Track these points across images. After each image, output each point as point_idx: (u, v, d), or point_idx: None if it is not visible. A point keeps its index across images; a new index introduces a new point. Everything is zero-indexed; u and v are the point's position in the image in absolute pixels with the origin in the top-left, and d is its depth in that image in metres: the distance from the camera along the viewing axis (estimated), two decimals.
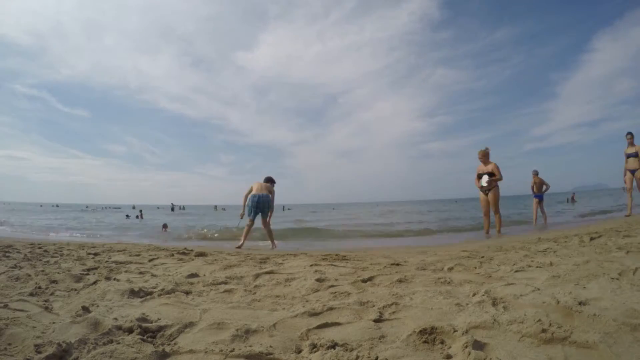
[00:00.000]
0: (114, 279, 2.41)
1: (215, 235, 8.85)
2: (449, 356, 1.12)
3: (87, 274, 2.59)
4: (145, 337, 1.31)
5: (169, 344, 1.26)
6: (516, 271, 2.33)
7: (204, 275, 2.64)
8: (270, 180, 6.12)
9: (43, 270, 2.65)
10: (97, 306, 1.71)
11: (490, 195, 6.37)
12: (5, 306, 1.63)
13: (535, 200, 8.95)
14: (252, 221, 5.76)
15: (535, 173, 8.99)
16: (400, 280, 2.24)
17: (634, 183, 7.46)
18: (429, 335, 1.24)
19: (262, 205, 5.69)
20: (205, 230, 9.77)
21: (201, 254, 3.90)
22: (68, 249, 4.25)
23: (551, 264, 2.50)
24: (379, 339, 1.28)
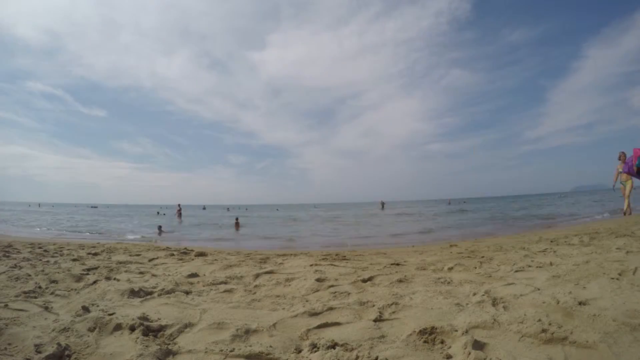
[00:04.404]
0: (114, 279, 2.41)
1: None
2: (449, 356, 1.12)
3: (87, 274, 2.59)
4: (148, 335, 1.31)
5: (169, 344, 1.26)
6: (516, 271, 2.33)
7: (204, 275, 2.64)
8: None
9: (43, 270, 2.65)
10: (97, 306, 1.71)
11: None
12: (5, 306, 1.63)
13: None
14: None
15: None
16: (400, 280, 2.24)
17: None
18: (429, 335, 1.25)
19: None
20: None
21: (201, 254, 3.90)
22: (68, 249, 4.25)
23: (551, 264, 2.50)
24: (379, 338, 1.28)
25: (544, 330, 1.21)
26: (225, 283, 2.33)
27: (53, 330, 1.34)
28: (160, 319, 1.50)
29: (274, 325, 1.44)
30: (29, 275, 2.44)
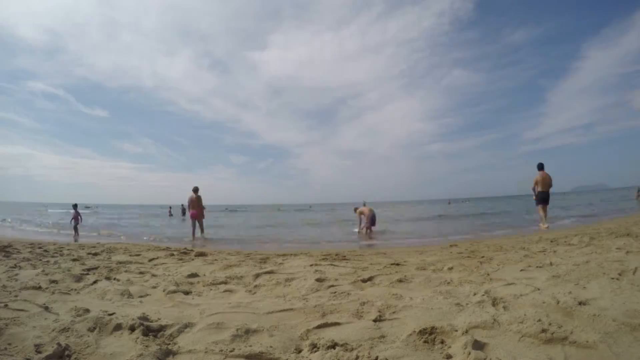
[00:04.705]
0: (114, 279, 2.41)
1: None
2: (449, 356, 1.12)
3: (87, 274, 2.59)
4: (148, 335, 1.31)
5: (169, 344, 1.26)
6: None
7: (204, 275, 2.64)
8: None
9: (43, 270, 2.65)
10: (97, 306, 1.71)
11: None
12: (5, 306, 1.63)
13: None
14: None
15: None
16: (400, 280, 2.24)
17: None
18: (429, 335, 1.25)
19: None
20: None
21: (201, 254, 3.90)
22: (68, 249, 4.26)
23: (551, 264, 2.49)
24: (379, 338, 1.28)
25: (544, 330, 1.21)
26: (225, 283, 2.33)
27: (53, 330, 1.34)
28: (160, 319, 1.50)
29: (274, 325, 1.44)
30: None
